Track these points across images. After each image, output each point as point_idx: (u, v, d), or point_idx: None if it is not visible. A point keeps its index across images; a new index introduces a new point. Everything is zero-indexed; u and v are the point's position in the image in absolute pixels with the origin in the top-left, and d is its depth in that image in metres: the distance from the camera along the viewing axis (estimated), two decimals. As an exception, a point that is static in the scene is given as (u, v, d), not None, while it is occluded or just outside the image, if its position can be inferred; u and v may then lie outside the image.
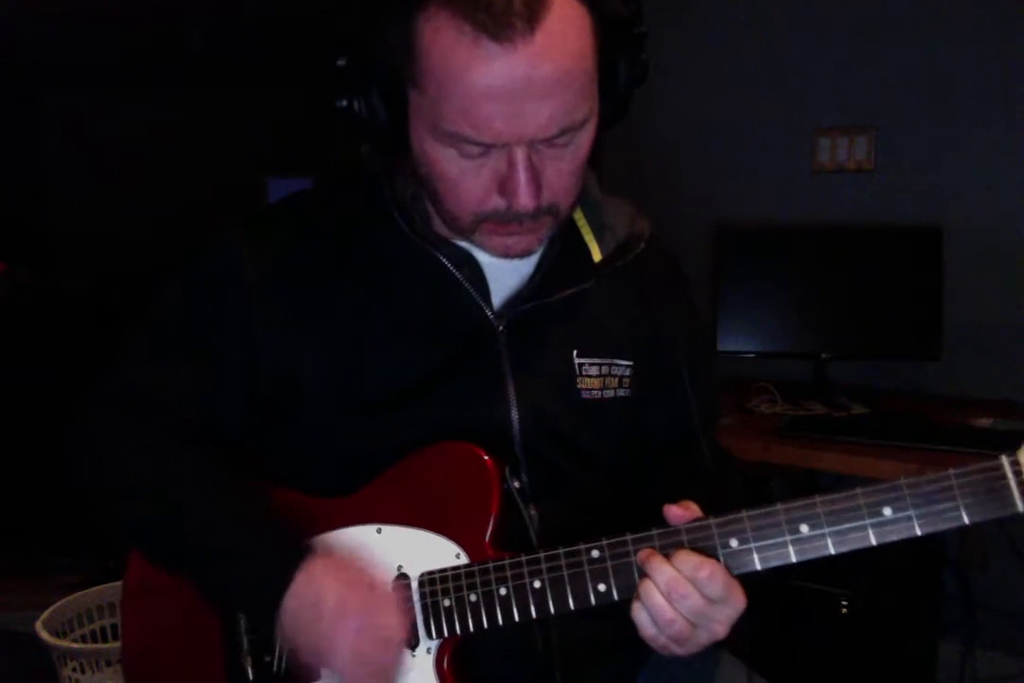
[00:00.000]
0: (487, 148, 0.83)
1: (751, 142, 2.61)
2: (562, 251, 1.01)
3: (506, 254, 0.93)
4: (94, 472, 0.99)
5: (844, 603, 1.97)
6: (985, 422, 2.02)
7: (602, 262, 1.02)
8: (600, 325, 1.02)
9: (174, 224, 3.82)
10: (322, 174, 1.09)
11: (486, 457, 0.91)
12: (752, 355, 2.39)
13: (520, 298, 0.99)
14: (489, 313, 0.98)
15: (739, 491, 1.11)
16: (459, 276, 0.97)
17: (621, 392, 1.02)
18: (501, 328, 0.97)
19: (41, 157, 4.91)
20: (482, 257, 0.98)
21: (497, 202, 0.87)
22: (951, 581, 2.27)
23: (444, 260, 0.97)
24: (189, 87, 4.56)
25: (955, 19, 2.30)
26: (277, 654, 0.95)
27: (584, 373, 1.00)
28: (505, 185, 0.85)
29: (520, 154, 0.83)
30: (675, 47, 2.60)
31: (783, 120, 2.56)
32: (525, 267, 1.01)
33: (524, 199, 0.85)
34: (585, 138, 0.87)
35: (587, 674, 0.98)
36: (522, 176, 0.84)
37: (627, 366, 1.03)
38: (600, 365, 1.01)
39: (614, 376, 1.02)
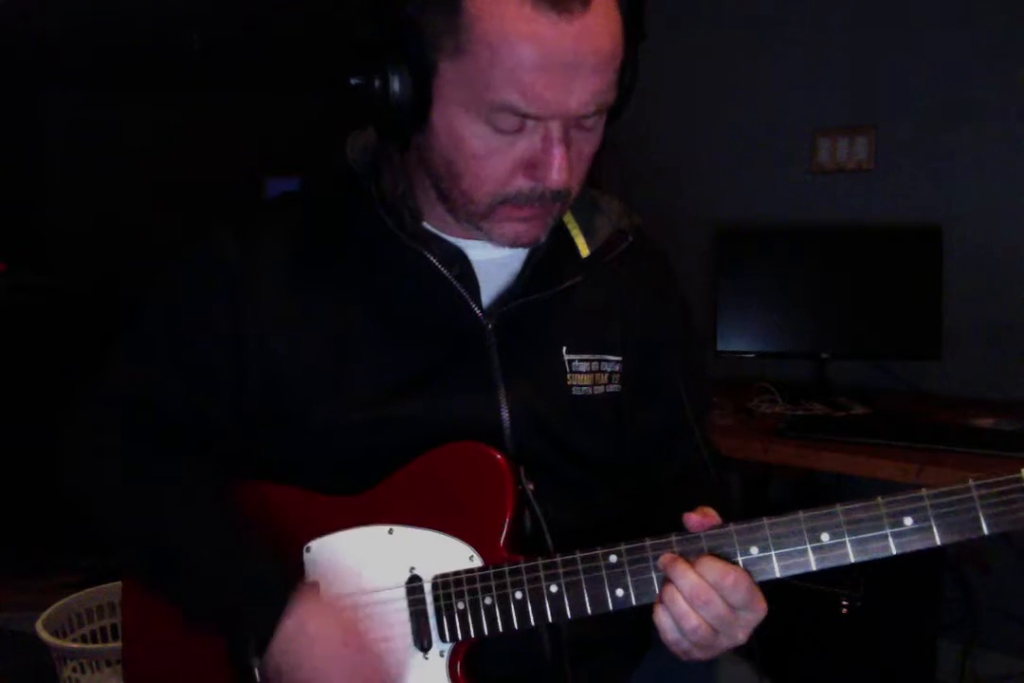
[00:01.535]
0: (524, 123, 0.84)
1: (751, 142, 2.61)
2: (550, 248, 1.01)
3: (516, 242, 0.93)
4: (80, 487, 1.00)
5: (844, 603, 1.97)
6: (985, 422, 2.01)
7: (590, 258, 1.02)
8: (589, 321, 1.03)
9: (174, 224, 3.82)
10: (309, 175, 1.08)
11: (500, 457, 0.90)
12: (752, 355, 2.39)
13: (509, 295, 0.99)
14: (478, 311, 0.97)
15: (731, 489, 1.11)
16: (448, 274, 0.97)
17: (611, 388, 1.03)
18: (490, 326, 0.97)
19: (41, 157, 4.90)
20: (472, 255, 0.98)
21: (521, 183, 0.87)
22: (951, 581, 2.27)
23: (432, 259, 0.96)
24: (189, 87, 4.56)
25: (955, 19, 2.30)
26: None
27: (574, 370, 1.00)
28: (537, 162, 0.86)
29: (557, 130, 0.84)
30: (675, 47, 2.60)
31: (783, 120, 2.56)
32: (514, 265, 1.01)
33: (557, 175, 0.85)
34: (602, 124, 0.89)
35: (589, 670, 0.98)
36: (559, 151, 0.84)
37: (617, 362, 1.03)
38: (590, 361, 1.01)
39: (604, 372, 1.02)
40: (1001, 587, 2.24)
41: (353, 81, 0.88)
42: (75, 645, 1.96)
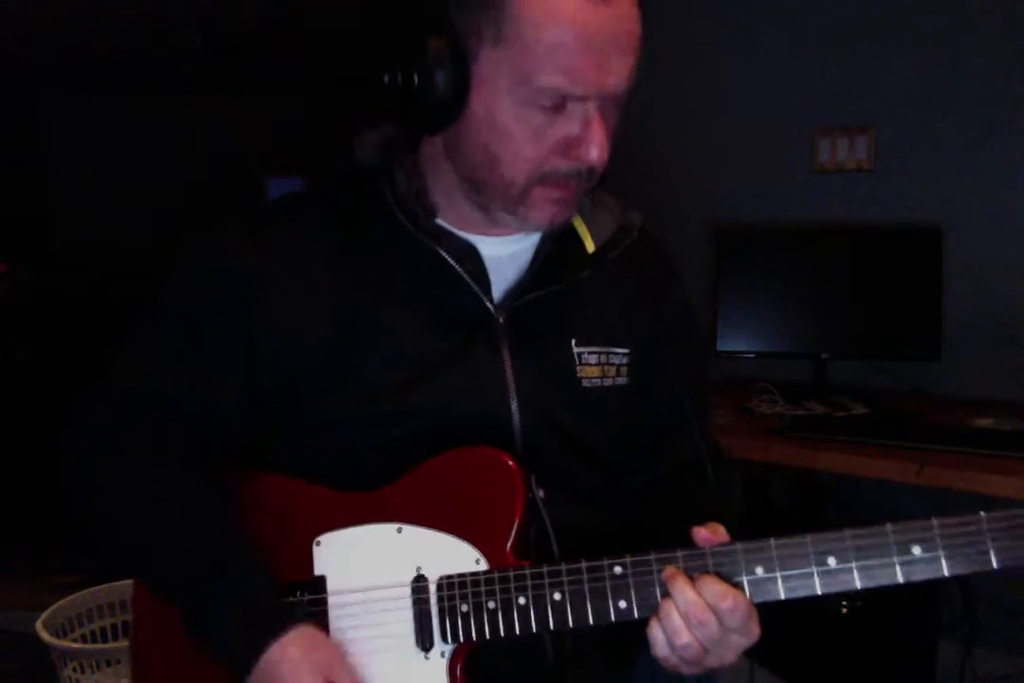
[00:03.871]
0: (563, 104, 0.88)
1: (751, 142, 2.61)
2: (557, 244, 1.02)
3: (552, 223, 0.96)
4: (88, 492, 1.00)
5: (844, 603, 1.97)
6: (985, 422, 2.02)
7: (596, 253, 1.03)
8: (597, 314, 1.04)
9: (174, 224, 3.82)
10: (317, 174, 1.09)
11: (512, 464, 0.91)
12: (752, 355, 2.39)
13: (520, 290, 1.00)
14: (490, 305, 0.99)
15: (734, 488, 1.11)
16: (460, 270, 0.98)
17: (620, 380, 1.04)
18: (501, 319, 0.99)
19: (42, 158, 4.91)
20: (484, 250, 0.99)
21: (557, 163, 0.91)
22: (951, 581, 2.27)
23: (445, 254, 0.98)
24: (189, 87, 4.57)
25: (955, 19, 2.30)
26: None
27: (583, 362, 1.01)
28: (576, 141, 0.89)
29: (595, 109, 0.89)
30: (676, 47, 2.60)
31: (783, 120, 2.56)
32: (523, 260, 1.02)
33: (597, 152, 0.89)
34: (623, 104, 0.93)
35: (589, 670, 0.99)
36: (598, 129, 0.89)
37: (624, 354, 1.04)
38: (599, 353, 1.02)
39: (612, 364, 1.03)
40: (1001, 587, 2.24)
41: (386, 78, 0.91)
42: (75, 645, 1.96)
